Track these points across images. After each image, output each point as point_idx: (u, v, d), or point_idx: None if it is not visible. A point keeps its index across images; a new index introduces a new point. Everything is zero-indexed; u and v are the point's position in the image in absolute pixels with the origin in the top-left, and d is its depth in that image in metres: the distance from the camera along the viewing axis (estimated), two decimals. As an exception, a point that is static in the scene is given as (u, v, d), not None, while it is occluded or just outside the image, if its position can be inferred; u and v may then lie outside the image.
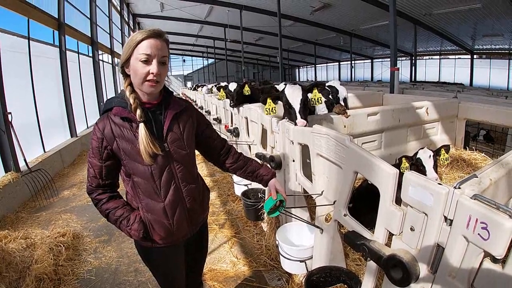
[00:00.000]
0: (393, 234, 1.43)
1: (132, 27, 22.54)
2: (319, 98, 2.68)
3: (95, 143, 1.38)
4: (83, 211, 4.54)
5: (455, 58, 22.70)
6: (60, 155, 6.89)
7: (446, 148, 2.62)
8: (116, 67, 15.26)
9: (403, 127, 3.55)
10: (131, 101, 1.35)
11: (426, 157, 2.51)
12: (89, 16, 11.14)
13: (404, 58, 24.36)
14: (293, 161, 2.51)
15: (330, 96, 3.76)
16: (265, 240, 3.16)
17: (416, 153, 2.57)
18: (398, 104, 3.80)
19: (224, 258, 3.15)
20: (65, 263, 3.14)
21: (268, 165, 2.80)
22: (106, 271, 3.07)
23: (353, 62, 26.42)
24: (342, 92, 3.96)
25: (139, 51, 1.30)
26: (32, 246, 3.24)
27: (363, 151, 1.60)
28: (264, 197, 3.30)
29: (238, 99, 4.42)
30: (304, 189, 2.40)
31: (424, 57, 24.63)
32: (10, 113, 4.91)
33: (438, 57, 23.82)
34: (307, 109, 2.70)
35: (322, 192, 2.04)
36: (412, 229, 1.31)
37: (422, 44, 21.71)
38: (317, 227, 1.98)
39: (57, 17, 7.88)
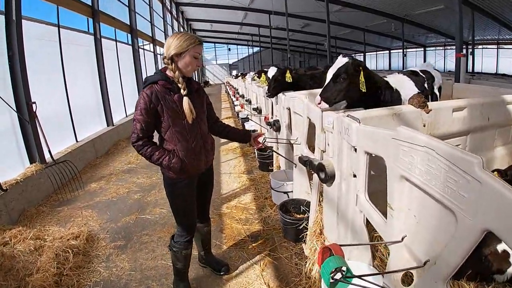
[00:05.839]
0: None
1: (175, 15, 22.45)
2: None
3: (143, 104, 1.91)
4: (105, 208, 4.18)
5: (514, 48, 20.00)
6: (93, 145, 6.67)
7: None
8: (158, 55, 15.14)
9: (492, 128, 2.61)
10: (181, 80, 1.98)
11: (525, 172, 1.75)
12: (127, 4, 10.91)
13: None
14: (354, 176, 1.75)
15: (426, 85, 2.87)
16: (306, 266, 2.48)
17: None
18: (487, 97, 2.86)
19: (253, 283, 2.53)
20: (71, 272, 2.79)
21: (316, 175, 2.07)
22: (115, 286, 2.65)
23: (405, 50, 24.53)
24: (438, 79, 3.10)
25: (195, 50, 1.98)
26: (40, 248, 2.98)
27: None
28: (308, 210, 2.61)
29: (276, 87, 3.70)
30: (367, 219, 1.65)
31: (479, 47, 22.00)
32: (34, 102, 4.64)
33: (495, 46, 21.16)
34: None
35: (402, 239, 1.28)
36: None
37: (479, 32, 19.30)
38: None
39: (90, 4, 7.63)
